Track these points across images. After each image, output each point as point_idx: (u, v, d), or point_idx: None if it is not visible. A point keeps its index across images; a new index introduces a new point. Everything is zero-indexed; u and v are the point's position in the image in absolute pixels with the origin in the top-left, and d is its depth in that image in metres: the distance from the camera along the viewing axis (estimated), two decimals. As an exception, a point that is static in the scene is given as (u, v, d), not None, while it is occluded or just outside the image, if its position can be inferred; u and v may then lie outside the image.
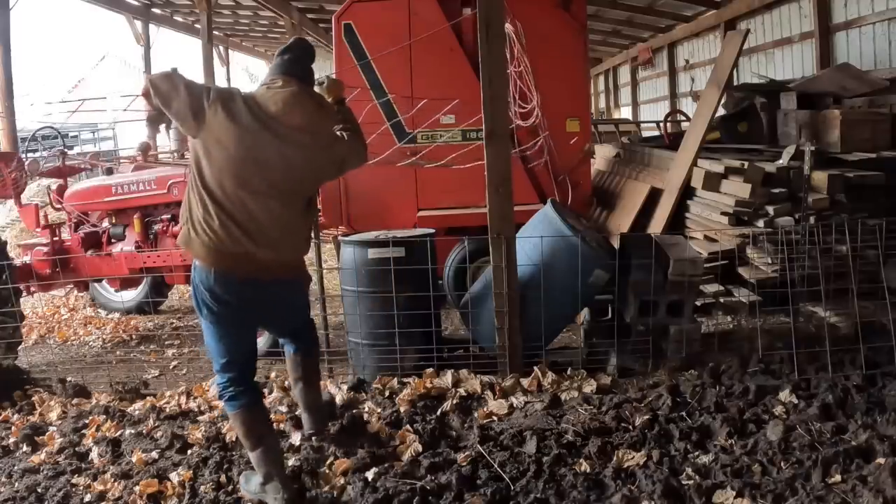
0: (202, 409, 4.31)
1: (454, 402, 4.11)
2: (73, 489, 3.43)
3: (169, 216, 5.97)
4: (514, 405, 4.10)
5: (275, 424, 3.90)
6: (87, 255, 6.14)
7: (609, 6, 13.99)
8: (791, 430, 3.53)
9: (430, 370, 4.47)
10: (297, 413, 3.93)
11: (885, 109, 6.37)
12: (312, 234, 3.56)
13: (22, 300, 5.78)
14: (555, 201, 4.98)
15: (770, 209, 5.70)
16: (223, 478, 3.42)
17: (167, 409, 4.30)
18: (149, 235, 6.02)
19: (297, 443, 3.73)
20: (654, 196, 6.99)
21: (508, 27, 5.68)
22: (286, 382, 4.41)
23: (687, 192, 6.58)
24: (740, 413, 3.77)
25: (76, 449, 3.85)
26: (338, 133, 3.45)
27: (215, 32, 18.52)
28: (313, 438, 3.70)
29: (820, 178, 5.58)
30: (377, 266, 4.56)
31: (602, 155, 9.07)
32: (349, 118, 3.59)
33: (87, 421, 4.19)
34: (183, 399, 4.47)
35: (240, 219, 3.06)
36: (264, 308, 3.27)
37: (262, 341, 5.54)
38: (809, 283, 4.67)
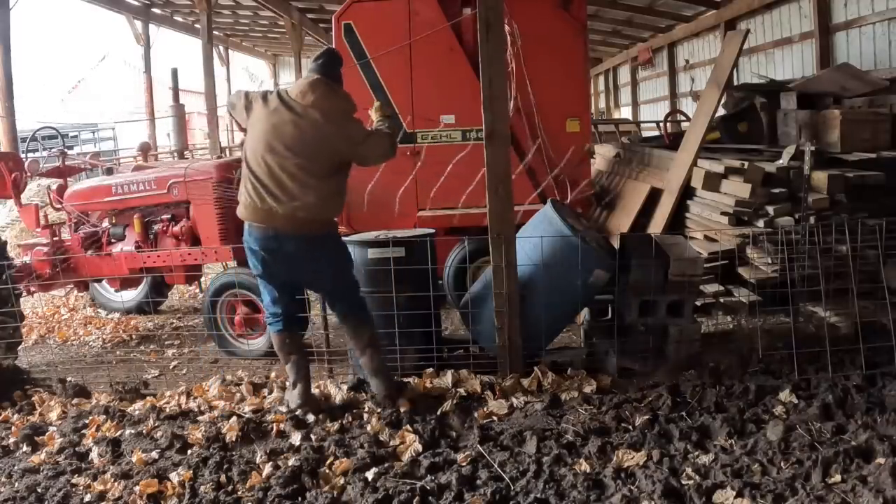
0: (202, 409, 4.31)
1: (454, 402, 4.11)
2: (73, 489, 3.43)
3: (169, 216, 5.97)
4: (514, 405, 4.10)
5: (275, 424, 3.95)
6: (87, 255, 6.14)
7: (609, 6, 14.00)
8: (791, 430, 3.53)
9: (430, 370, 4.47)
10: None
11: (885, 109, 6.36)
12: (341, 202, 4.12)
13: (22, 300, 5.78)
14: (555, 201, 4.98)
15: (770, 209, 5.70)
16: (223, 478, 3.42)
17: (167, 409, 4.30)
18: (149, 235, 6.02)
19: (297, 443, 3.74)
20: (654, 196, 6.99)
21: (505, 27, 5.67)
22: (287, 383, 4.42)
23: (687, 192, 6.58)
24: (740, 413, 3.77)
25: (76, 449, 3.85)
26: (367, 127, 4.16)
27: (215, 32, 18.55)
28: (385, 401, 4.08)
29: (820, 178, 5.58)
30: (377, 266, 4.55)
31: (602, 155, 9.07)
32: (389, 125, 4.32)
33: (87, 421, 4.18)
34: (183, 399, 4.47)
35: (266, 181, 3.85)
36: (289, 261, 3.94)
37: (262, 341, 5.57)
38: (809, 283, 4.67)
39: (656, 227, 6.60)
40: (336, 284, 4.16)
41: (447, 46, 6.34)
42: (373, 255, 4.59)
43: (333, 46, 4.32)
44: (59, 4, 47.11)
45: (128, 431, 4.00)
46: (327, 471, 3.46)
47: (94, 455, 3.77)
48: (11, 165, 6.34)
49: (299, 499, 3.25)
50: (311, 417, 4.02)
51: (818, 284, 4.52)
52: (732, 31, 9.86)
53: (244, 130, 4.14)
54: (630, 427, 3.72)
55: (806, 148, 5.26)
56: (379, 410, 4.06)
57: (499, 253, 4.41)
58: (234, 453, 3.66)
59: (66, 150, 7.00)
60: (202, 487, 3.34)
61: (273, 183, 3.85)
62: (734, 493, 3.03)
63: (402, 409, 4.00)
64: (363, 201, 6.35)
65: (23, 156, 6.78)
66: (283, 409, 4.15)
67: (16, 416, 4.44)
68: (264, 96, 4.01)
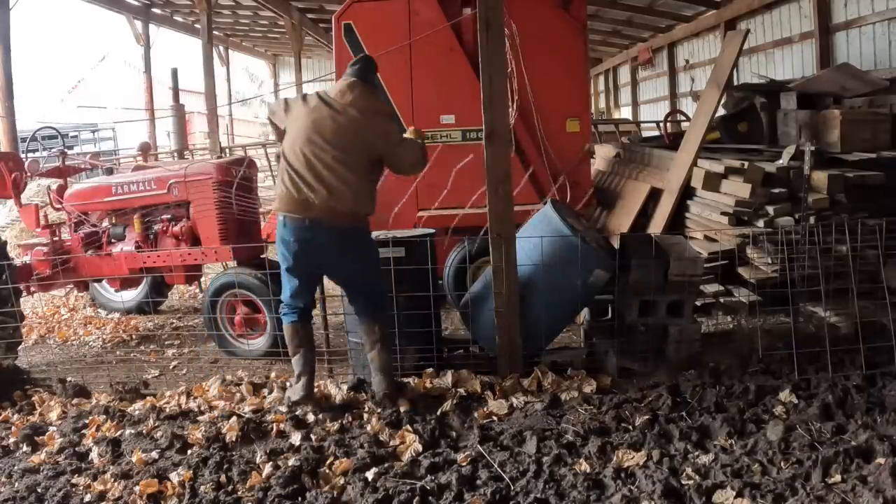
0: (202, 409, 4.31)
1: (454, 402, 4.11)
2: (73, 489, 3.43)
3: (169, 216, 5.97)
4: (514, 405, 4.10)
5: (275, 424, 3.95)
6: (87, 255, 6.14)
7: (609, 6, 14.00)
8: (791, 430, 3.53)
9: (430, 370, 4.47)
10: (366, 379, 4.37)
11: (885, 109, 6.36)
12: (373, 203, 4.27)
13: (22, 300, 5.78)
14: (555, 201, 4.98)
15: (770, 209, 5.70)
16: (223, 478, 3.42)
17: (167, 409, 4.30)
18: (149, 235, 6.01)
19: (297, 443, 3.74)
20: (654, 196, 6.99)
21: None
22: (287, 383, 4.42)
23: (687, 192, 6.58)
24: (740, 413, 3.77)
25: (76, 449, 3.85)
26: (401, 133, 4.41)
27: (215, 32, 18.56)
28: (384, 400, 4.11)
29: (820, 178, 5.58)
30: (377, 266, 4.55)
31: (602, 155, 9.07)
32: (422, 143, 4.44)
33: (87, 421, 4.18)
34: (183, 399, 4.47)
35: (303, 172, 4.01)
36: (321, 251, 4.07)
37: (262, 341, 5.57)
38: (809, 283, 4.67)
39: (656, 227, 6.60)
40: (362, 279, 4.24)
41: (447, 46, 6.34)
42: (373, 255, 4.58)
43: (366, 53, 4.49)
44: (59, 4, 47.13)
45: (128, 431, 4.00)
46: (327, 471, 3.46)
47: (94, 455, 3.77)
48: (11, 165, 6.33)
49: (299, 499, 3.25)
50: (310, 416, 4.03)
51: (818, 284, 4.52)
52: (732, 31, 9.86)
53: (282, 135, 4.24)
54: (630, 427, 3.72)
55: (806, 148, 5.26)
56: (379, 410, 4.06)
57: (499, 253, 4.41)
58: (234, 453, 3.66)
59: (66, 150, 7.00)
60: (202, 487, 3.34)
61: (311, 174, 4.01)
62: (734, 493, 3.03)
63: (401, 409, 4.01)
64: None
65: (23, 156, 6.77)
66: (283, 408, 4.15)
67: (16, 416, 4.44)
68: (304, 98, 4.23)
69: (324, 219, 4.01)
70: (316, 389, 4.33)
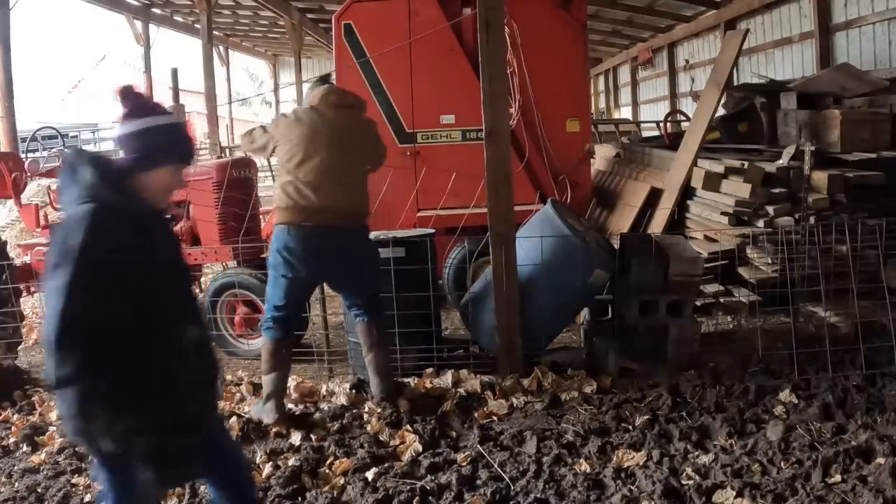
0: (202, 409, 4.30)
1: (454, 402, 4.11)
2: (73, 489, 3.43)
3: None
4: (514, 405, 4.10)
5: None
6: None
7: (609, 6, 13.99)
8: (791, 430, 3.54)
9: (430, 370, 4.47)
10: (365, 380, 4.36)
11: (885, 109, 6.36)
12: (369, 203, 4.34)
13: (22, 300, 5.78)
14: (555, 201, 4.98)
15: (770, 209, 5.70)
16: (223, 478, 3.41)
17: (167, 409, 4.29)
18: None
19: (297, 443, 3.74)
20: (654, 196, 6.98)
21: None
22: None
23: (687, 192, 6.58)
24: (740, 413, 3.77)
25: (76, 449, 3.84)
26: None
27: (215, 32, 18.54)
28: (383, 402, 4.09)
29: (820, 178, 5.58)
30: (377, 266, 4.55)
31: (602, 155, 9.07)
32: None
33: (87, 421, 4.18)
34: (183, 399, 4.46)
35: (319, 180, 3.97)
36: (330, 257, 4.01)
37: (262, 341, 5.55)
38: (809, 283, 4.67)
39: (656, 227, 6.60)
40: (366, 281, 4.21)
41: (447, 46, 6.33)
42: (373, 255, 4.58)
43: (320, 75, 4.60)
44: (59, 4, 47.15)
45: (128, 431, 3.99)
46: (327, 471, 3.46)
47: (94, 455, 3.77)
48: (11, 165, 6.33)
49: (299, 499, 3.25)
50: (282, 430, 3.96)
51: (818, 284, 4.52)
52: (732, 31, 9.85)
53: (272, 153, 4.20)
54: (630, 427, 3.72)
55: (806, 148, 5.26)
56: (379, 410, 4.06)
57: (499, 253, 4.41)
58: (234, 453, 3.66)
59: (66, 150, 6.99)
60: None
61: (327, 180, 3.99)
62: (734, 493, 3.03)
63: (401, 410, 4.00)
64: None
65: (23, 156, 6.77)
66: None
67: (16, 416, 4.44)
68: (285, 115, 4.25)
69: (340, 223, 3.99)
70: (316, 389, 4.33)
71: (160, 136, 2.22)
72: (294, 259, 3.95)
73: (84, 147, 12.05)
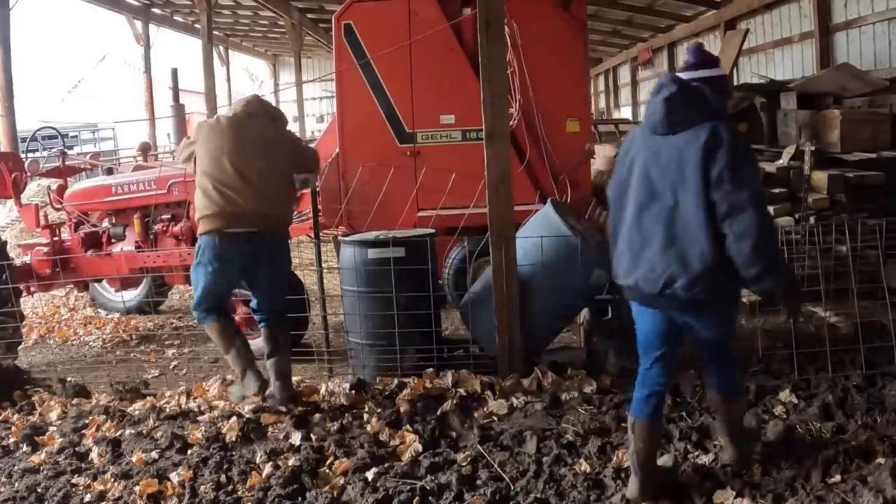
0: (202, 409, 4.31)
1: (454, 402, 4.11)
2: (73, 489, 3.43)
3: (169, 216, 5.96)
4: (514, 405, 4.10)
5: (275, 424, 3.95)
6: (87, 255, 6.13)
7: (609, 6, 14.00)
8: (791, 430, 3.53)
9: (430, 370, 4.47)
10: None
11: (885, 109, 6.35)
12: (294, 209, 4.60)
13: (22, 300, 5.78)
14: (555, 201, 4.98)
15: (770, 209, 5.69)
16: (223, 478, 3.42)
17: (167, 409, 4.30)
18: (149, 235, 6.01)
19: (297, 443, 3.74)
20: (654, 196, 6.96)
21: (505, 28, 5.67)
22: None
23: (687, 191, 6.56)
24: (740, 413, 3.77)
25: (76, 449, 3.85)
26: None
27: (215, 32, 18.53)
28: (285, 407, 4.11)
29: (820, 178, 5.58)
30: (377, 266, 4.55)
31: (602, 155, 9.06)
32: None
33: (87, 421, 4.19)
34: (183, 399, 4.47)
35: (236, 184, 4.01)
36: (253, 259, 4.09)
37: (262, 341, 5.55)
38: (809, 283, 4.67)
39: (656, 226, 6.58)
40: (280, 283, 4.33)
41: (447, 46, 6.33)
42: (373, 255, 4.59)
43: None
44: (59, 4, 47.13)
45: (128, 431, 4.00)
46: (327, 471, 3.46)
47: (94, 455, 3.77)
48: (11, 165, 6.33)
49: (299, 499, 3.25)
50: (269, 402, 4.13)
51: (818, 284, 4.52)
52: (732, 31, 9.87)
53: (195, 161, 4.23)
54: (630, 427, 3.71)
55: (806, 148, 5.26)
56: (379, 410, 4.06)
57: (499, 253, 4.41)
58: (234, 453, 3.66)
59: (66, 150, 6.99)
60: (202, 487, 3.34)
61: (243, 185, 4.02)
62: (734, 493, 3.03)
63: (296, 412, 4.06)
64: (364, 201, 6.34)
65: (23, 156, 6.77)
66: (282, 408, 4.13)
67: (16, 416, 4.44)
68: (209, 120, 4.34)
69: (261, 228, 4.07)
70: (316, 389, 4.33)
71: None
72: (220, 264, 4.07)
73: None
